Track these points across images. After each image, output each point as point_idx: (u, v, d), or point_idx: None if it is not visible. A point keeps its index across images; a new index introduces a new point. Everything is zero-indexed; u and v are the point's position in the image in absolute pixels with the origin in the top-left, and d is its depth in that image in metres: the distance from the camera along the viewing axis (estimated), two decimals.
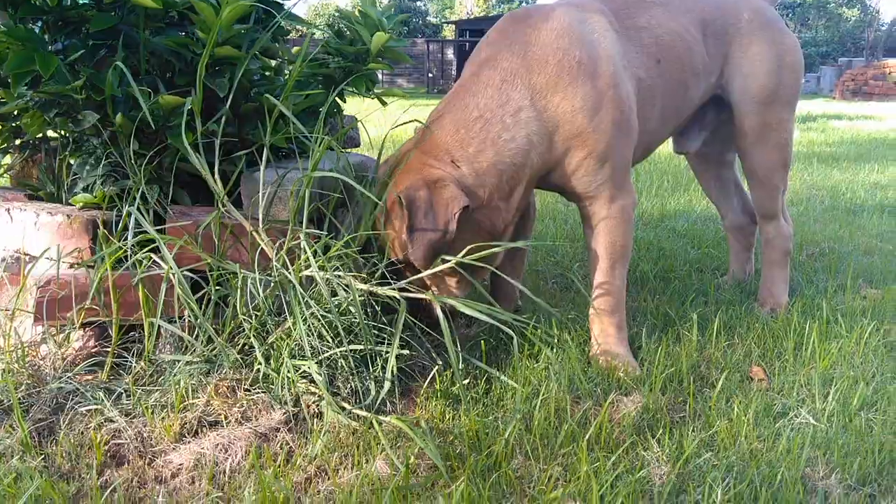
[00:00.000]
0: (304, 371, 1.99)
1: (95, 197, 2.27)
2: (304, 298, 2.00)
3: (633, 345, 2.41)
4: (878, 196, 5.71)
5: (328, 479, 1.75)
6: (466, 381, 2.09)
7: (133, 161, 2.13)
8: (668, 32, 2.45)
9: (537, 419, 1.90)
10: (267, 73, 2.47)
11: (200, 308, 2.09)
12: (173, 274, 2.00)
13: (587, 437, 1.83)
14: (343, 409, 1.93)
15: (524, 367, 2.18)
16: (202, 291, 2.14)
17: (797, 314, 2.63)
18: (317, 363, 1.95)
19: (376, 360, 2.07)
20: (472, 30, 38.52)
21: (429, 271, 2.15)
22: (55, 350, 2.16)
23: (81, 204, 2.29)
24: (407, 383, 2.17)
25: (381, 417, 1.89)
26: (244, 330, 2.12)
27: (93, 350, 2.22)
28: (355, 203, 2.30)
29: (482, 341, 2.24)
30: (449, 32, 42.79)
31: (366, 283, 2.09)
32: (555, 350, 2.23)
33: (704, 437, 1.86)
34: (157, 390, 2.05)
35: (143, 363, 2.13)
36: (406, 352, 2.05)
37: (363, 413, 1.92)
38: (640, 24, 2.41)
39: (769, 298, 2.88)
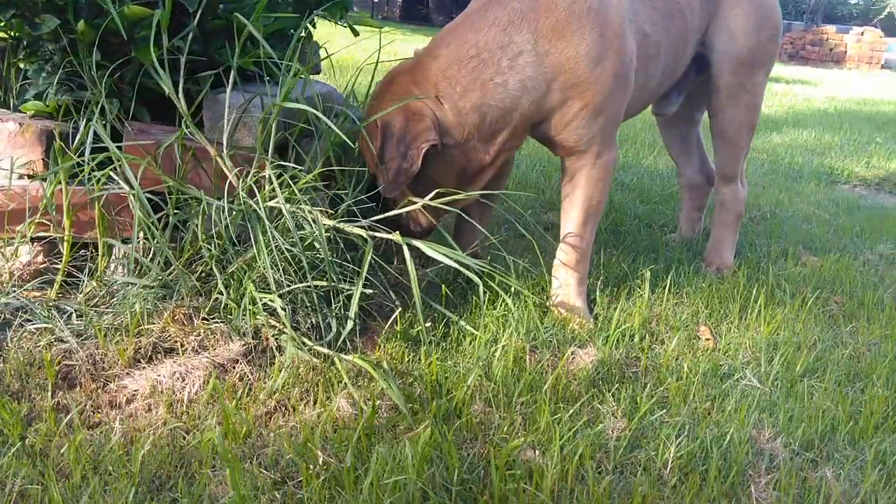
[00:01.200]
0: (265, 303, 1.96)
1: (48, 105, 2.16)
2: (268, 230, 1.96)
3: (588, 298, 2.45)
4: (814, 162, 5.88)
5: (289, 414, 1.75)
6: (428, 325, 2.09)
7: (93, 72, 2.03)
8: None
9: (496, 367, 1.93)
10: None
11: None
12: (134, 195, 1.93)
13: (545, 388, 1.87)
14: (304, 344, 1.92)
15: (483, 313, 2.20)
16: (159, 214, 2.07)
17: (743, 277, 2.71)
18: (279, 296, 1.92)
19: (338, 296, 2.06)
20: None
21: (396, 211, 2.13)
22: (2, 263, 2.08)
23: (33, 112, 2.18)
24: (366, 322, 2.17)
25: (343, 356, 1.89)
26: (203, 257, 2.07)
27: (41, 266, 2.14)
28: (321, 135, 2.25)
29: (443, 285, 2.24)
30: None
31: (332, 218, 2.06)
32: (512, 298, 2.24)
33: (657, 395, 1.92)
34: (109, 312, 2.00)
35: (94, 283, 2.07)
36: (370, 291, 2.04)
37: (325, 350, 1.91)
38: None
39: (716, 259, 2.95)
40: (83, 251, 2.17)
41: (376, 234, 2.00)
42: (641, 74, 2.35)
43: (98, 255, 2.11)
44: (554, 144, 2.32)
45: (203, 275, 2.07)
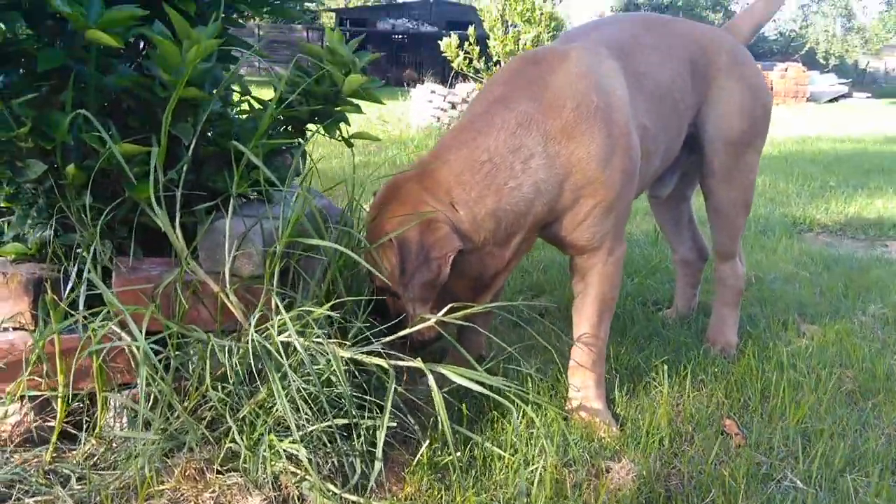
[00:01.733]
0: (283, 449, 1.83)
1: (30, 248, 2.03)
2: (284, 367, 1.84)
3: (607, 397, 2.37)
4: (777, 213, 5.95)
5: None
6: (458, 454, 1.98)
7: (83, 215, 1.90)
8: (665, 78, 2.41)
9: (538, 497, 1.82)
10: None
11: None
12: (137, 346, 1.79)
13: None
14: (330, 492, 1.79)
15: (505, 431, 2.09)
16: (158, 357, 1.93)
17: (754, 359, 2.66)
18: (300, 440, 1.79)
19: (356, 430, 1.94)
20: (353, 19, 38.11)
21: (409, 330, 2.04)
22: None
23: (13, 255, 2.04)
24: (386, 453, 2.04)
25: (376, 502, 1.76)
26: (209, 401, 1.93)
27: (32, 425, 1.97)
28: (323, 256, 2.15)
29: (462, 404, 2.13)
30: (327, 19, 42.08)
31: (346, 347, 1.95)
32: (534, 410, 2.15)
33: None
34: (113, 473, 1.84)
35: (93, 440, 1.92)
36: (394, 424, 1.92)
37: (354, 497, 1.78)
38: (640, 69, 2.35)
39: (720, 338, 2.90)
40: (76, 403, 2.01)
41: (398, 362, 1.89)
42: (644, 166, 2.32)
43: (94, 408, 1.96)
44: (565, 244, 2.26)
45: (211, 421, 1.93)
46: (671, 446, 2.13)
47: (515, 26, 10.89)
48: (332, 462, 1.88)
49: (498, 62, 11.25)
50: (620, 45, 2.38)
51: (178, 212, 1.93)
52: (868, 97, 27.75)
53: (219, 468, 1.85)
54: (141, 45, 2.24)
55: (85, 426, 1.96)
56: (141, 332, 1.78)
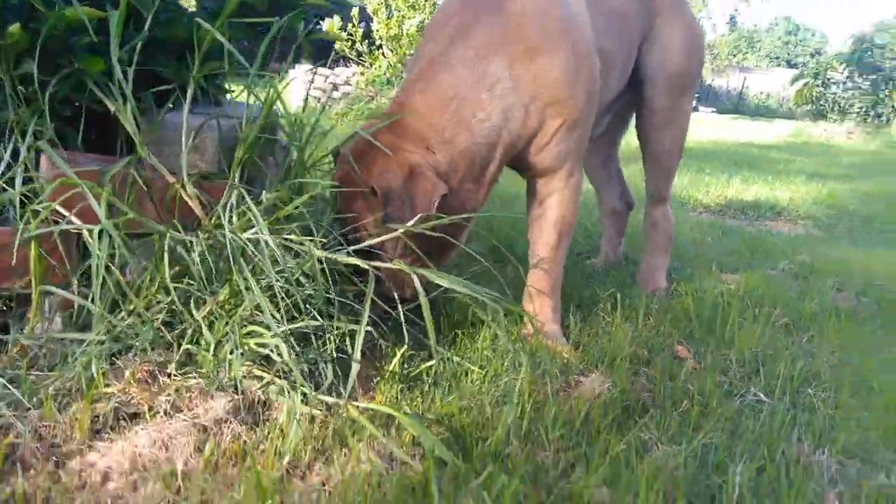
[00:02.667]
0: (250, 349, 1.68)
1: None
2: (250, 264, 1.68)
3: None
4: None
5: (309, 476, 1.48)
6: (430, 364, 1.88)
7: (19, 87, 1.68)
8: (620, 2, 2.40)
9: (525, 403, 1.75)
10: None
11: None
12: (97, 231, 1.59)
13: (577, 421, 1.71)
14: (304, 395, 1.65)
15: (476, 347, 2.02)
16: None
17: (689, 297, 2.70)
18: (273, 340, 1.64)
19: (322, 336, 1.80)
20: None
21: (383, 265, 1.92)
22: None
23: None
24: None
25: (358, 403, 1.64)
26: (160, 303, 1.75)
27: None
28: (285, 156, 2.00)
29: (438, 318, 2.04)
30: None
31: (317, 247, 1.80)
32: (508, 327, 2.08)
33: (689, 419, 1.82)
34: (51, 375, 1.63)
35: (23, 340, 1.69)
36: (370, 329, 1.79)
37: (330, 399, 1.65)
38: None
39: (651, 282, 2.94)
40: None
41: (378, 263, 1.77)
42: (602, 88, 2.29)
43: (22, 308, 1.73)
44: (528, 166, 2.20)
45: (164, 323, 1.75)
46: (632, 366, 2.11)
47: (399, 11, 10.83)
48: (302, 368, 1.74)
49: (381, 46, 11.15)
50: None
51: (130, 95, 1.74)
52: (713, 112, 29.36)
53: (173, 372, 1.67)
54: None
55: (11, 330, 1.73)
56: (103, 212, 1.57)
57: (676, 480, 1.52)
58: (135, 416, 1.59)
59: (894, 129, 15.89)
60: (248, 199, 1.72)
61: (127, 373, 1.63)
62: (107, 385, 1.62)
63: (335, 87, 12.39)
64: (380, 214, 1.91)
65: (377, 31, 10.84)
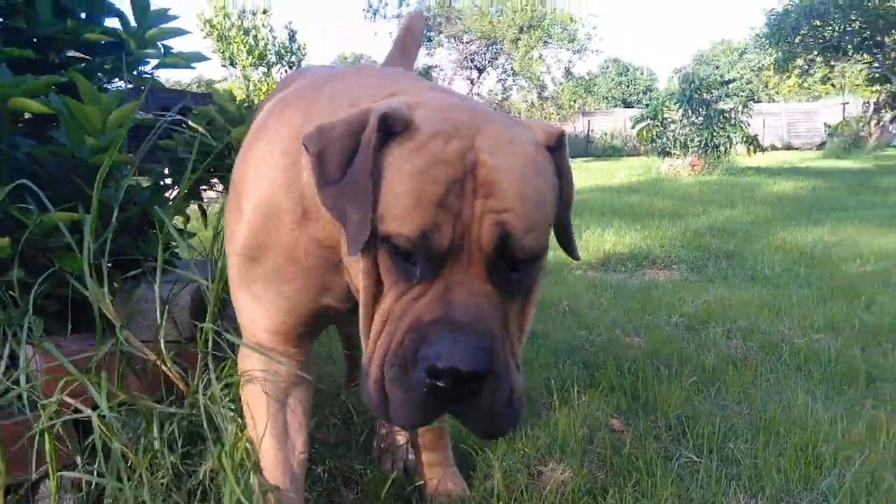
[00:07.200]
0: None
1: None
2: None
3: None
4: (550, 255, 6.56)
5: None
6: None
7: (10, 292, 1.80)
8: None
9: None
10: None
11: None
12: (101, 417, 1.72)
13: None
14: None
15: None
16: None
17: (611, 370, 3.02)
18: None
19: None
20: None
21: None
22: None
23: None
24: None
25: None
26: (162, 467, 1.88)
27: None
28: None
29: None
30: None
31: None
32: None
33: (644, 491, 2.10)
34: None
35: None
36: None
37: None
38: None
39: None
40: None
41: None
42: None
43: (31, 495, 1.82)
44: None
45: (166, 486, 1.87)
46: (580, 446, 2.38)
47: None
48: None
49: None
50: None
51: (106, 283, 1.89)
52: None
53: None
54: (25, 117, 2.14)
55: None
56: (104, 401, 1.71)
57: None
58: None
59: (732, 157, 17.36)
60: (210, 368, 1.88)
61: None
62: None
63: None
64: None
65: None
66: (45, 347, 1.76)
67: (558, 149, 1.38)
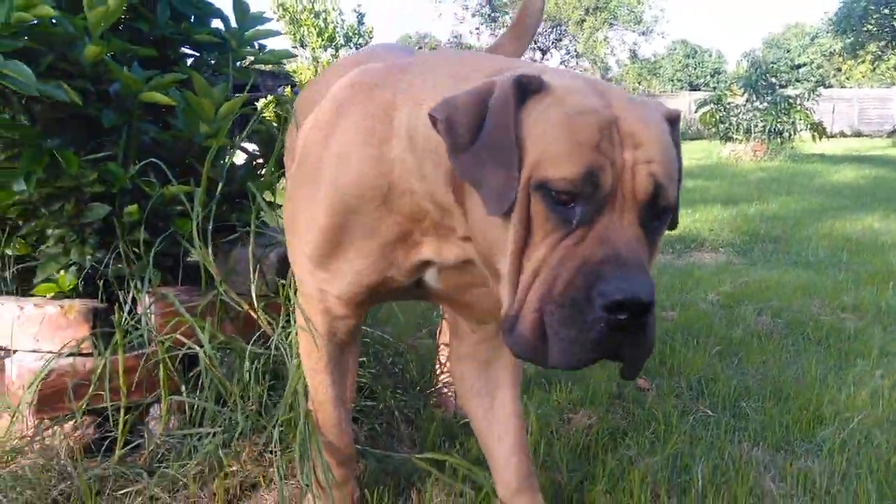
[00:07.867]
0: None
1: (69, 284, 2.29)
2: None
3: None
4: None
5: None
6: None
7: (135, 249, 2.23)
8: None
9: (535, 439, 2.34)
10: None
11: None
12: (206, 353, 2.14)
13: (580, 446, 2.32)
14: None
15: None
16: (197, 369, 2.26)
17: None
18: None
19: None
20: None
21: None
22: (61, 441, 2.15)
23: (52, 294, 2.29)
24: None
25: (425, 455, 2.20)
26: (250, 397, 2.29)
27: (93, 437, 2.22)
28: None
29: None
30: None
31: None
32: None
33: (659, 436, 2.44)
34: (184, 463, 2.15)
35: (157, 440, 2.21)
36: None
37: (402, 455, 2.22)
38: None
39: None
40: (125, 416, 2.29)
41: None
42: None
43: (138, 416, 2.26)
44: None
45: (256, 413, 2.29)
46: (608, 401, 2.73)
47: None
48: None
49: None
50: None
51: (210, 244, 2.30)
52: None
53: (275, 448, 2.21)
54: None
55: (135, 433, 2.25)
56: (206, 340, 2.13)
57: (657, 481, 2.13)
58: (254, 486, 2.13)
59: (796, 143, 17.25)
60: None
61: (243, 454, 2.17)
62: (228, 465, 2.15)
63: None
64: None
65: None
66: (164, 294, 2.18)
67: (673, 124, 1.43)
